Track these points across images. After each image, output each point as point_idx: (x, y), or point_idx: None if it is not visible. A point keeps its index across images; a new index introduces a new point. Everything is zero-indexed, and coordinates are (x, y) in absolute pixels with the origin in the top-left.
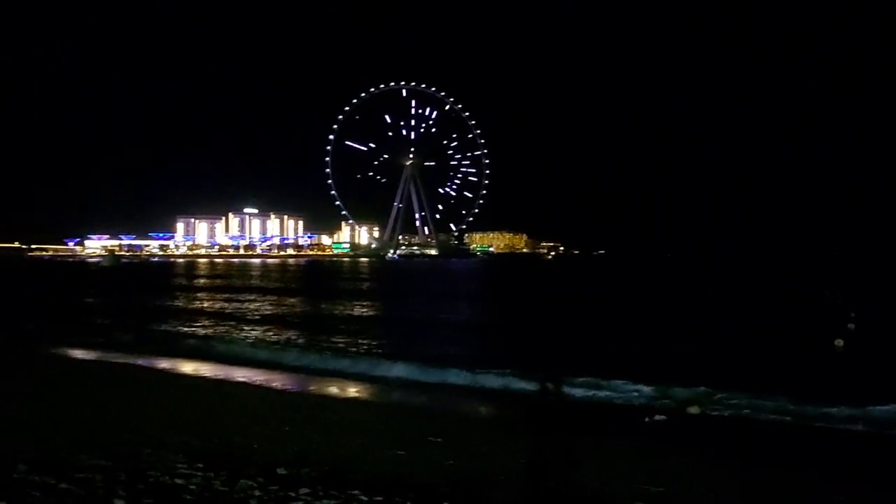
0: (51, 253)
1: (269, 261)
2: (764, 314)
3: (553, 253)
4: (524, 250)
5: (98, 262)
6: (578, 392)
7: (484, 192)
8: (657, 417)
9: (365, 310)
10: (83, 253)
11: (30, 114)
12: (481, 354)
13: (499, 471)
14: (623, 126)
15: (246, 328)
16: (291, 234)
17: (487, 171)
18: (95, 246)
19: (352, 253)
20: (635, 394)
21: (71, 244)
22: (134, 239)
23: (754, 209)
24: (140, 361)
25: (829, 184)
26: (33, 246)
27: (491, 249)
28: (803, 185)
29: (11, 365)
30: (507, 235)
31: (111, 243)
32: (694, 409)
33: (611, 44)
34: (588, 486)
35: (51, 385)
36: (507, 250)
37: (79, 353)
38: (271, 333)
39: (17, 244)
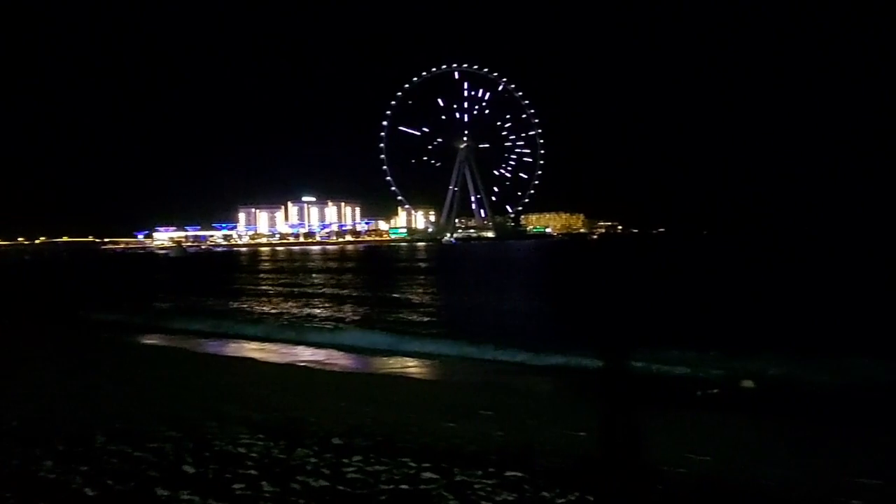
0: (122, 246)
1: (329, 248)
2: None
3: (599, 233)
4: (581, 230)
5: (166, 254)
6: (629, 366)
7: (539, 172)
8: (710, 391)
9: (422, 295)
10: (152, 245)
11: (99, 113)
12: (538, 332)
13: (547, 442)
14: (690, 101)
15: (305, 309)
16: (349, 221)
17: (542, 151)
18: (163, 238)
19: (409, 238)
20: (686, 368)
21: (140, 236)
22: (199, 230)
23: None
24: (203, 343)
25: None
26: (105, 240)
27: (548, 230)
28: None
29: (87, 348)
30: (564, 216)
31: (177, 235)
32: (748, 384)
33: (671, 14)
34: (631, 455)
35: (124, 365)
36: (564, 231)
37: (152, 339)
38: (328, 313)
39: (91, 238)
